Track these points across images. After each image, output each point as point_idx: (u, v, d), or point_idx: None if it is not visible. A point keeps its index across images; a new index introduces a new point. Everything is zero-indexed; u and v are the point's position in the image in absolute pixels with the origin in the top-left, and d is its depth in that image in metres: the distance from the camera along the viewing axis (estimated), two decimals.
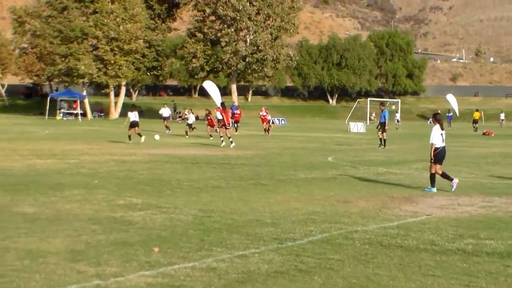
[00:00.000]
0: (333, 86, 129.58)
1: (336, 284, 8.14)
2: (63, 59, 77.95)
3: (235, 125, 52.35)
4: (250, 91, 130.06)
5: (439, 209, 14.47)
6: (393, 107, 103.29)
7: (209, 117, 44.63)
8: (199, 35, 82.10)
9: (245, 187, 17.61)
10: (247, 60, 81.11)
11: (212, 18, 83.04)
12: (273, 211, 13.49)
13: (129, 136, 35.49)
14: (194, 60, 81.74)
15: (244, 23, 79.14)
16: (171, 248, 9.86)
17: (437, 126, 17.60)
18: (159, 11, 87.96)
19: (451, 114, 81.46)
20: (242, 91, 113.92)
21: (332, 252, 9.88)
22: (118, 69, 79.98)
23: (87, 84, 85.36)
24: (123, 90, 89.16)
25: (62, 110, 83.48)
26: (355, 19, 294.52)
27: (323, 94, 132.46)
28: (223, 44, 79.85)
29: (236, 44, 79.97)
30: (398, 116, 75.59)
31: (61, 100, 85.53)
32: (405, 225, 12.37)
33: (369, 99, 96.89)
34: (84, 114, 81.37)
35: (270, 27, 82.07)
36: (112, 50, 79.23)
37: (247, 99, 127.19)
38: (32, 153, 27.11)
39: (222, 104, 38.38)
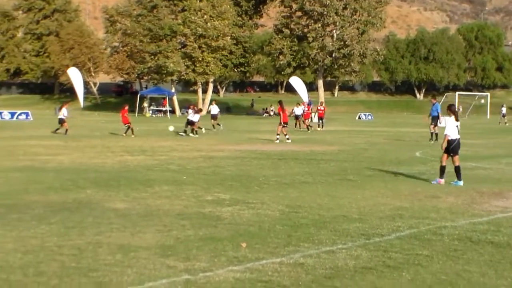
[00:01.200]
0: (421, 80, 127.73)
1: (424, 281, 8.02)
2: (152, 57, 79.32)
3: (319, 121, 51.81)
4: (337, 87, 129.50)
5: None
6: (482, 101, 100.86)
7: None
8: (286, 31, 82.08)
9: (331, 182, 17.53)
10: (333, 55, 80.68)
11: (299, 13, 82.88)
12: (360, 207, 13.39)
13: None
14: (281, 56, 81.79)
15: (331, 18, 78.70)
16: (259, 243, 9.90)
17: (452, 117, 17.39)
18: (246, 7, 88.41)
19: None
20: (328, 87, 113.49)
21: (421, 248, 9.74)
22: (206, 66, 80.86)
23: (176, 81, 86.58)
24: (210, 87, 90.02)
25: (151, 107, 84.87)
26: (444, 12, 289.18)
27: (410, 88, 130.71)
28: (309, 39, 79.63)
29: (322, 40, 79.61)
30: (504, 110, 73.46)
31: (151, 98, 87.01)
32: (495, 220, 12.10)
33: (457, 93, 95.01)
34: (172, 111, 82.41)
35: (357, 22, 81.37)
36: (200, 47, 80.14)
37: (333, 94, 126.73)
38: (123, 150, 27.68)
39: (280, 102, 38.07)
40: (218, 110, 47.41)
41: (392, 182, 17.71)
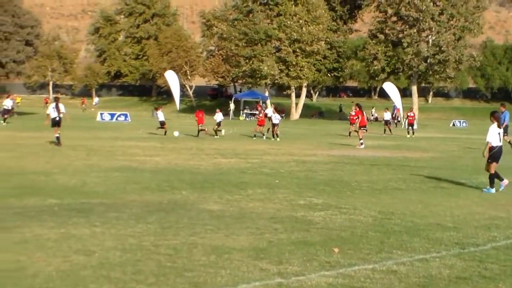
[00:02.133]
0: None
1: None
2: (247, 60, 79.91)
3: (409, 128, 50.13)
4: (431, 93, 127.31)
5: None
6: None
7: (260, 115, 43.82)
8: (381, 36, 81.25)
9: (425, 189, 17.28)
10: (428, 61, 79.38)
11: (394, 19, 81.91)
12: (454, 215, 13.14)
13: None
14: (375, 62, 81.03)
15: (427, 24, 77.46)
16: (351, 249, 9.85)
17: (495, 124, 17.05)
18: (341, 12, 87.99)
19: None
20: (422, 93, 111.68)
21: None
22: (300, 70, 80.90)
23: (270, 85, 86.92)
24: (304, 91, 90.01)
25: (245, 111, 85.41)
26: None
27: (507, 95, 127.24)
28: (404, 45, 78.59)
29: (417, 45, 78.44)
30: None
31: (245, 101, 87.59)
32: None
33: None
34: (266, 115, 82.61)
35: (454, 27, 79.80)
36: (294, 51, 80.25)
37: (427, 100, 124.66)
38: (217, 152, 27.97)
39: (358, 105, 37.72)
40: (222, 118, 44.50)
41: None
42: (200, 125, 40.68)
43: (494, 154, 17.11)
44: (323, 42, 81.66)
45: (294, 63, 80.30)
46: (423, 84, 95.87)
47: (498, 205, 14.78)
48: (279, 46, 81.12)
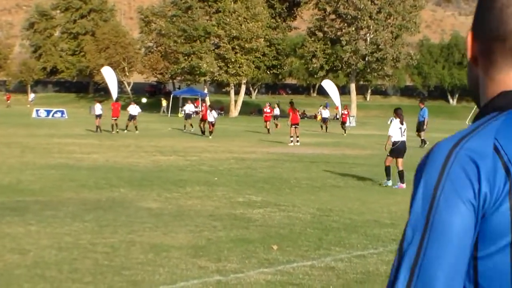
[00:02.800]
0: (454, 85, 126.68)
1: None
2: (186, 57, 79.67)
3: (342, 126, 50.20)
4: (369, 91, 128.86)
5: None
6: None
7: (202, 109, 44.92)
8: (319, 34, 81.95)
9: (362, 187, 17.51)
10: (367, 59, 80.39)
11: (333, 16, 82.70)
12: (392, 212, 13.34)
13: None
14: (313, 59, 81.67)
15: (365, 22, 78.43)
16: (290, 246, 9.92)
17: (397, 120, 17.96)
18: (280, 10, 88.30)
19: None
20: (361, 90, 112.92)
21: None
22: (239, 67, 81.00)
23: (209, 82, 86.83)
24: (243, 89, 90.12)
25: (184, 108, 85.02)
26: None
27: (444, 94, 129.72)
28: (343, 43, 79.43)
29: (356, 43, 79.39)
30: None
31: (183, 98, 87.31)
32: None
33: None
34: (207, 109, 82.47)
35: (391, 26, 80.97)
36: (233, 48, 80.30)
37: (365, 98, 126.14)
38: (156, 150, 27.85)
39: (291, 102, 38.26)
40: (139, 111, 44.86)
41: None
42: (113, 117, 41.06)
43: (395, 149, 17.75)
44: (262, 39, 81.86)
45: (233, 60, 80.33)
46: (361, 82, 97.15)
47: None
48: (218, 43, 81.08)
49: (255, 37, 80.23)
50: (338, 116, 71.96)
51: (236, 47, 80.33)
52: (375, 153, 29.50)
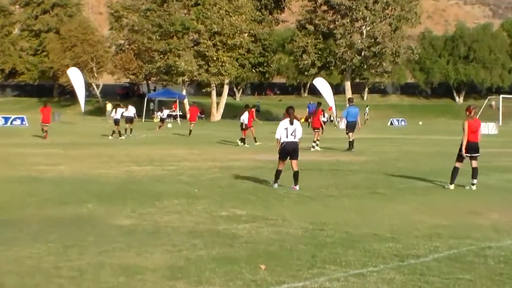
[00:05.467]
0: (460, 82, 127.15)
1: None
2: (162, 56, 79.60)
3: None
4: (366, 89, 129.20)
5: None
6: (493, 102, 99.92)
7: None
8: (310, 27, 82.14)
9: (359, 196, 17.47)
10: (363, 54, 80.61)
11: (325, 8, 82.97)
12: (393, 224, 13.30)
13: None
14: (304, 55, 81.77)
15: (360, 13, 78.65)
16: (279, 265, 9.85)
17: (287, 120, 18.44)
18: (266, 1, 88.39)
19: None
20: (357, 89, 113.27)
21: (462, 271, 9.64)
22: (221, 66, 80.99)
23: (187, 83, 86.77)
24: (226, 89, 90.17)
25: (160, 112, 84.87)
26: (486, 6, 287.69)
27: (449, 91, 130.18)
28: (336, 36, 79.63)
29: (351, 37, 79.59)
30: None
31: (159, 101, 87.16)
32: None
33: (501, 96, 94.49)
34: (183, 116, 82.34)
35: (389, 17, 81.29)
36: (214, 45, 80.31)
37: (362, 97, 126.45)
38: (130, 159, 27.74)
39: (247, 105, 39.48)
40: (134, 111, 44.86)
41: (427, 196, 17.61)
42: (45, 124, 42.09)
43: (282, 150, 18.46)
44: (247, 35, 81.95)
45: (214, 58, 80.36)
46: (357, 80, 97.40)
47: (440, 211, 15.03)
48: (197, 39, 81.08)
49: (238, 32, 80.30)
50: (332, 118, 72.19)
51: (218, 43, 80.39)
52: (372, 159, 29.56)
